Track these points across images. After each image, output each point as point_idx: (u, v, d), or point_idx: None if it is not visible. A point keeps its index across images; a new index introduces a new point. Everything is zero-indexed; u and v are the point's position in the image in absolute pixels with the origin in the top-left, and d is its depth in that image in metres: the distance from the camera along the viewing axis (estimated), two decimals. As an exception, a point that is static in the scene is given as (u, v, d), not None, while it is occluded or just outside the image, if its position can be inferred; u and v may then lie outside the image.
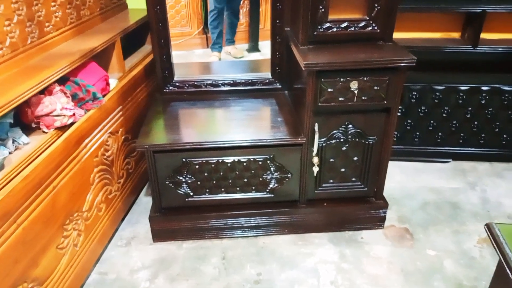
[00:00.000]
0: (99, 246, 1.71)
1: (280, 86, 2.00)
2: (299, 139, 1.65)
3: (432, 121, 2.26)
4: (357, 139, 1.69)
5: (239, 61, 3.17)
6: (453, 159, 2.36)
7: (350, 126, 1.66)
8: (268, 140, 1.64)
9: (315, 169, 1.70)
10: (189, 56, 4.15)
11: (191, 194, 1.75)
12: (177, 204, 1.77)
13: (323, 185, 1.78)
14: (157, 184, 1.71)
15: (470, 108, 2.21)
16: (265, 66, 2.18)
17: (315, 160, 1.68)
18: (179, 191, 1.73)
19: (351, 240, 1.82)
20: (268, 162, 1.70)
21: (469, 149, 2.32)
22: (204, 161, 1.68)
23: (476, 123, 2.24)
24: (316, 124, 1.62)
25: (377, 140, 1.69)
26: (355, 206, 1.82)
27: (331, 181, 1.78)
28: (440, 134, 2.29)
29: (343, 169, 1.75)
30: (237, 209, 1.80)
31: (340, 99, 1.57)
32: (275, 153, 1.69)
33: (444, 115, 2.24)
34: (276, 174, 1.73)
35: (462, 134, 2.28)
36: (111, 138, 1.75)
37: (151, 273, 1.67)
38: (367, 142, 1.69)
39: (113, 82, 1.85)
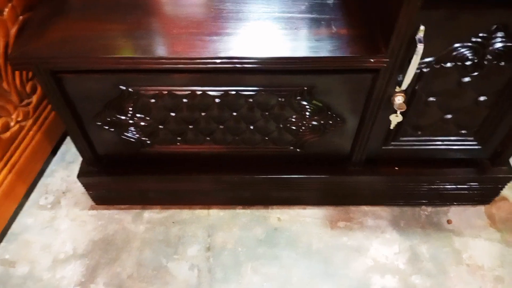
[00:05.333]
0: (8, 207, 1.01)
1: None
2: (373, 59, 0.72)
3: None
4: (502, 62, 0.76)
5: None
6: None
7: (500, 34, 0.71)
8: (305, 61, 0.72)
9: (396, 119, 0.83)
10: None
11: (148, 142, 0.93)
12: (127, 153, 0.97)
13: (401, 138, 0.93)
14: (79, 129, 0.88)
15: None
16: None
17: (399, 101, 0.79)
18: (124, 137, 0.92)
19: (430, 226, 1.06)
20: (299, 99, 0.82)
21: None
22: (166, 92, 0.81)
23: None
24: (422, 28, 0.68)
25: (545, 66, 0.76)
26: (453, 173, 1.00)
27: (419, 133, 0.92)
28: None
29: (448, 116, 0.87)
30: (235, 167, 1.00)
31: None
32: (316, 83, 0.79)
33: None
34: (314, 119, 0.87)
35: None
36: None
37: (86, 269, 0.99)
38: (522, 70, 0.77)
39: None
